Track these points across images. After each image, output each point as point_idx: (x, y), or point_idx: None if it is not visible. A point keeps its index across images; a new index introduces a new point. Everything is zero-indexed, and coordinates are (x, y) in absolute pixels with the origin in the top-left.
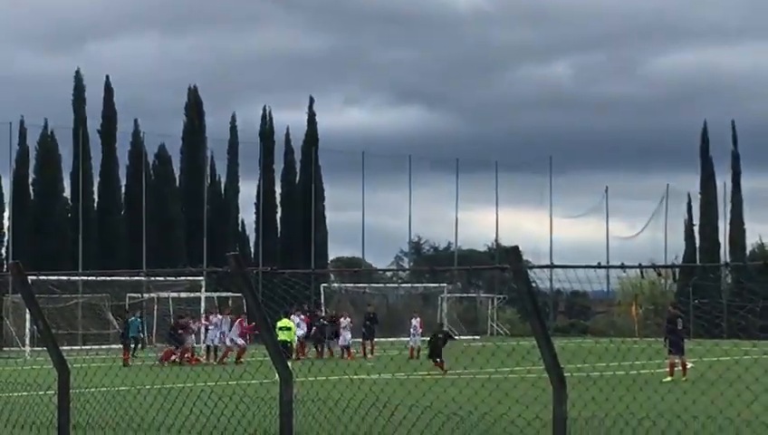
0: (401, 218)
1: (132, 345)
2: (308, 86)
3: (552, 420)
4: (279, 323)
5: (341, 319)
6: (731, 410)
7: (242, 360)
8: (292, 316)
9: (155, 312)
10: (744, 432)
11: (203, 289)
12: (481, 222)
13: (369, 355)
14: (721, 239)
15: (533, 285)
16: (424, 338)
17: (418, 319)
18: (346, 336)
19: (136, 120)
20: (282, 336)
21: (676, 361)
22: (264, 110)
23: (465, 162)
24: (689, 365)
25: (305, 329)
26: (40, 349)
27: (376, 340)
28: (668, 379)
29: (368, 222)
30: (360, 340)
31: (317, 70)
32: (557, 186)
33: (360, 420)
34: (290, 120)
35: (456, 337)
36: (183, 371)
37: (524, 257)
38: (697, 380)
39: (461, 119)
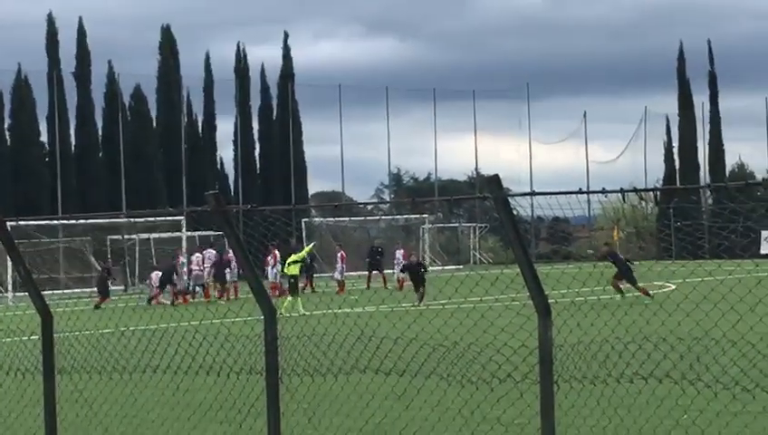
0: (380, 150)
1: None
2: (277, 20)
3: (537, 347)
4: (290, 259)
5: (338, 254)
6: (716, 330)
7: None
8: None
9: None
10: (730, 352)
11: (183, 229)
12: (460, 151)
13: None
14: (700, 160)
15: (515, 212)
16: None
17: (402, 250)
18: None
19: (110, 62)
20: (293, 270)
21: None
22: (238, 46)
23: (442, 91)
24: (654, 291)
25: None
26: (22, 294)
27: (359, 273)
28: (618, 297)
29: (347, 155)
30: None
31: (284, 3)
32: (535, 112)
33: (345, 355)
34: (263, 55)
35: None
36: (166, 311)
37: (504, 185)
38: (682, 302)
39: (434, 48)
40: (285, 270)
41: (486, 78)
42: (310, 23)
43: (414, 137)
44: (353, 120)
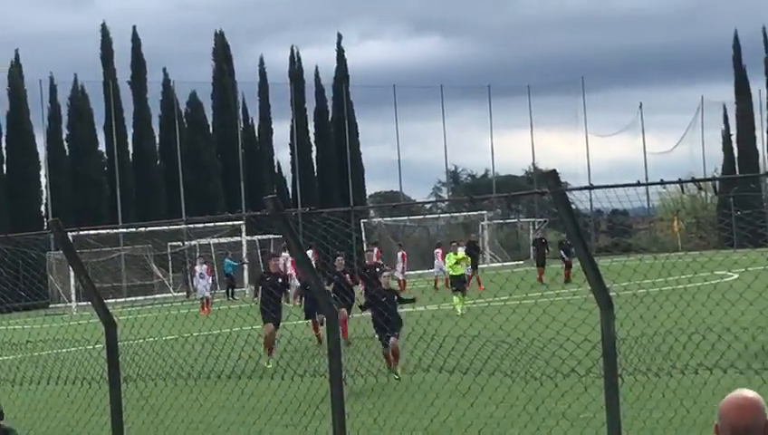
0: (436, 149)
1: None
2: (324, 22)
3: (600, 340)
4: (453, 260)
5: (399, 253)
6: None
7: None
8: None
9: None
10: None
11: (243, 233)
12: (516, 147)
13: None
14: (759, 147)
15: (573, 206)
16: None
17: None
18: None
19: (164, 69)
20: (459, 271)
21: None
22: (292, 50)
23: (496, 88)
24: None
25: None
26: (86, 303)
27: (419, 272)
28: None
29: (403, 155)
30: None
31: (330, 5)
32: (590, 105)
33: (408, 354)
34: (315, 57)
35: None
36: (228, 316)
37: (562, 179)
38: (745, 291)
39: (481, 45)
40: (452, 270)
41: (537, 73)
42: (356, 23)
43: (469, 134)
44: (408, 119)
